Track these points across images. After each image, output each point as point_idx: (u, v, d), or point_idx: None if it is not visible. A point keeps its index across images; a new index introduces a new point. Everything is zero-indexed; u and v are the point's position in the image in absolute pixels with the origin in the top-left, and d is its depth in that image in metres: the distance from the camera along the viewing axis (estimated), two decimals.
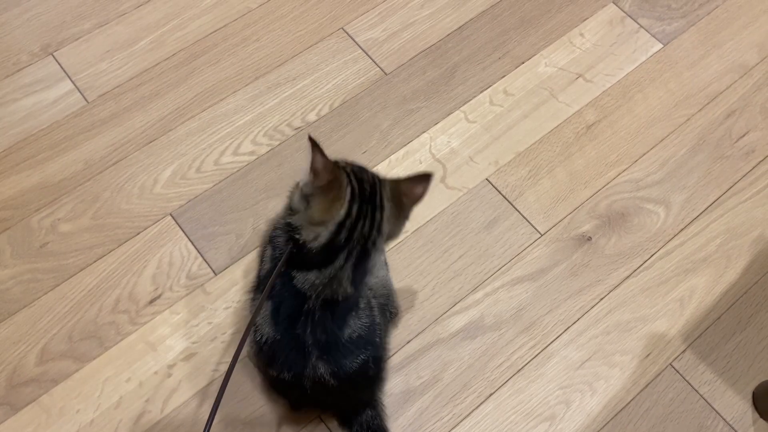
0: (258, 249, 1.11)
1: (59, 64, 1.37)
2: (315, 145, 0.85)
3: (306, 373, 0.90)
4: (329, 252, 0.87)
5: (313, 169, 0.86)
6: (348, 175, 0.88)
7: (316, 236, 0.86)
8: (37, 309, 1.14)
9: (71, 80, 1.35)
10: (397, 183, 0.90)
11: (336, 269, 0.87)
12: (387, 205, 0.89)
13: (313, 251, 0.87)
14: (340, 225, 0.86)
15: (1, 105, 1.32)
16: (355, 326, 0.92)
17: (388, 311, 1.07)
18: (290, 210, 0.91)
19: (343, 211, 0.86)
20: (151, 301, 1.14)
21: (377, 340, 0.96)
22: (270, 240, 0.95)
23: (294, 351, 0.90)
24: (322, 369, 0.89)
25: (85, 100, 1.33)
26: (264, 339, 0.91)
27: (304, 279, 0.88)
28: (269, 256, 0.94)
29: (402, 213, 0.91)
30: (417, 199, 0.90)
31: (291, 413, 1.06)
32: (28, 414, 1.06)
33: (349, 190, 0.87)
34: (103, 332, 1.12)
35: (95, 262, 1.17)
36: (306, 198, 0.88)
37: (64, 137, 1.29)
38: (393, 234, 0.92)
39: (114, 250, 1.18)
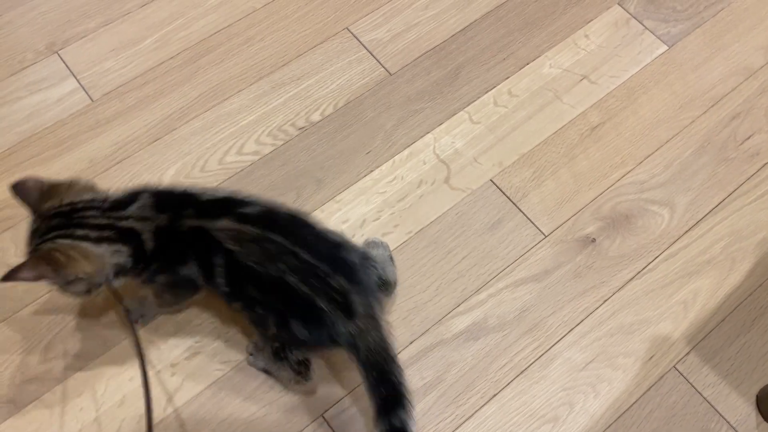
0: None
1: (64, 62, 1.37)
2: (11, 277, 0.88)
3: (276, 267, 0.90)
4: (130, 237, 0.94)
5: (36, 279, 0.90)
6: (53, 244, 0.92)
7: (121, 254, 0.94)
8: (41, 307, 1.14)
9: (76, 79, 1.35)
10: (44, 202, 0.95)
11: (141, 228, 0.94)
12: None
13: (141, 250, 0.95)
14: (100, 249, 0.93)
15: (6, 103, 1.32)
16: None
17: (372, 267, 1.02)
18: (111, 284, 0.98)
19: (89, 262, 0.92)
20: None
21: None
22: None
23: (266, 260, 0.91)
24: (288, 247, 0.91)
25: (90, 98, 1.33)
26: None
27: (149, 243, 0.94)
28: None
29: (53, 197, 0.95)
30: (38, 185, 0.96)
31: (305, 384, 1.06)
32: (32, 412, 1.06)
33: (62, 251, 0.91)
34: (106, 331, 1.12)
35: None
36: (74, 284, 0.93)
37: (68, 135, 1.29)
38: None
39: None
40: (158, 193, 0.97)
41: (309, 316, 0.91)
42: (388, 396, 0.90)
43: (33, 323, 1.12)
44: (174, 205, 0.95)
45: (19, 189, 0.95)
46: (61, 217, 0.93)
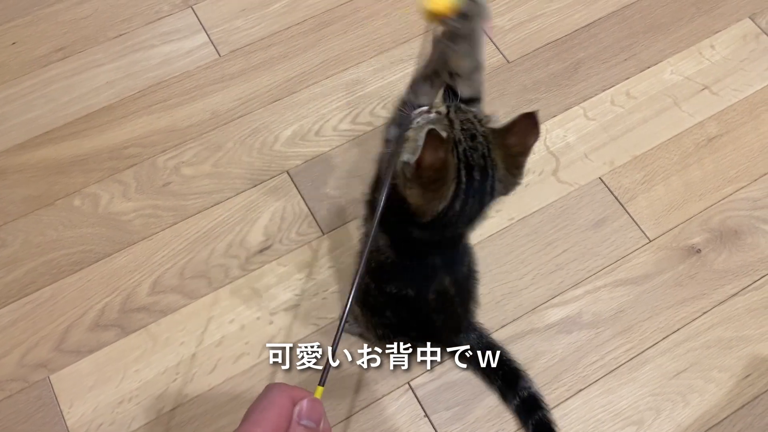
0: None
1: (197, 17, 1.43)
2: (431, 139, 0.69)
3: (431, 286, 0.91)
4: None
5: (419, 164, 0.71)
6: (458, 163, 0.74)
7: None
8: (154, 243, 1.20)
9: (206, 33, 1.41)
10: (505, 140, 0.76)
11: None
12: (498, 172, 0.76)
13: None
14: (445, 211, 0.76)
15: (140, 49, 1.39)
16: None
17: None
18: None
19: (444, 205, 0.75)
20: (261, 251, 1.19)
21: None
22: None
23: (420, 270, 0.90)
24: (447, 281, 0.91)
25: (218, 53, 1.39)
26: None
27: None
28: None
29: (515, 171, 0.77)
30: (530, 148, 0.76)
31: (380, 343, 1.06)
32: (136, 338, 1.12)
33: (454, 185, 0.74)
34: (212, 273, 1.17)
35: (212, 206, 1.23)
36: (405, 174, 0.75)
37: (194, 86, 1.35)
38: (506, 192, 0.79)
39: (231, 198, 1.23)
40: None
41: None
42: (505, 374, 1.04)
43: (146, 257, 1.19)
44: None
45: None
46: (482, 158, 0.75)
